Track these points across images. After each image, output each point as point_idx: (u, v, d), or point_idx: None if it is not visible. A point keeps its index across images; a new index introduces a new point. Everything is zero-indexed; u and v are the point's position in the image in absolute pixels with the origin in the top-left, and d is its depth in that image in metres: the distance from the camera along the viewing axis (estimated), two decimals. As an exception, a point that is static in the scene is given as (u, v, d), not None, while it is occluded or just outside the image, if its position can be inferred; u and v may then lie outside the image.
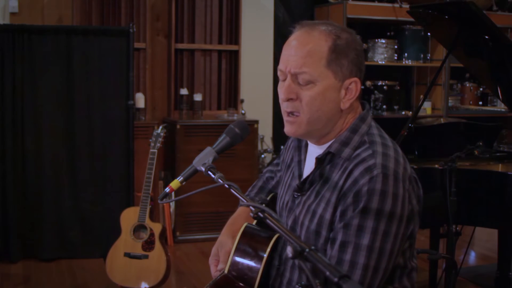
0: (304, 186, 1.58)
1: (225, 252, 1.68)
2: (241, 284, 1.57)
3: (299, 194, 1.59)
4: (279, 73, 1.55)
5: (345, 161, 1.50)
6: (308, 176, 1.57)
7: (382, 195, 1.41)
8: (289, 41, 1.54)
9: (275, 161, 1.94)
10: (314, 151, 1.61)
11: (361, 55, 1.54)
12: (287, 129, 1.56)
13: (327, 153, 1.53)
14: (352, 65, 1.51)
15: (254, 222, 1.73)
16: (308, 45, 1.50)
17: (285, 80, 1.53)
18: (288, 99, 1.52)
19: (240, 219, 1.77)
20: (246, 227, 1.65)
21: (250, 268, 1.57)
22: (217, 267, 1.67)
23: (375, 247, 1.41)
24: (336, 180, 1.49)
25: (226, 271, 1.60)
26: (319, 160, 1.54)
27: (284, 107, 1.54)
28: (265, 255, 1.56)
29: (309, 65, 1.48)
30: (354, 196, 1.43)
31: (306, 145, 1.66)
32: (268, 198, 1.82)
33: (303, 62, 1.48)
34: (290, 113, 1.53)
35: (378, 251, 1.41)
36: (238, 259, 1.59)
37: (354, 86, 1.52)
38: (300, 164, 1.66)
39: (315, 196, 1.54)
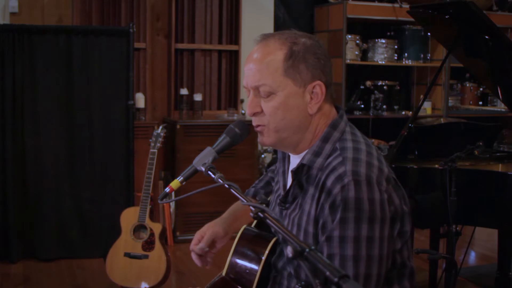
0: (286, 199, 1.57)
1: (211, 233, 1.70)
2: (238, 286, 1.56)
3: (283, 206, 1.59)
4: (245, 90, 1.56)
5: (319, 172, 1.48)
6: (288, 190, 1.57)
7: (357, 202, 1.38)
8: (248, 57, 1.55)
9: (277, 164, 1.93)
10: (294, 161, 1.61)
11: (323, 58, 1.52)
12: (259, 139, 1.56)
13: (300, 165, 1.52)
14: (313, 69, 1.50)
15: (253, 223, 1.73)
16: (263, 57, 1.50)
17: None
18: (254, 114, 1.53)
19: (240, 208, 1.79)
20: (244, 229, 1.65)
21: (248, 270, 1.56)
22: (198, 244, 1.69)
23: (361, 256, 1.39)
24: (313, 192, 1.48)
25: (224, 274, 1.59)
26: (294, 173, 1.53)
27: (252, 121, 1.55)
28: (263, 258, 1.56)
29: (266, 76, 1.49)
30: (330, 207, 1.41)
31: (289, 155, 1.66)
32: (269, 199, 1.82)
33: (260, 75, 1.49)
34: (259, 126, 1.54)
35: (366, 259, 1.39)
36: (236, 261, 1.59)
37: (319, 89, 1.51)
38: (284, 174, 1.66)
39: (298, 208, 1.53)
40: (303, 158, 1.52)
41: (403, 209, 1.48)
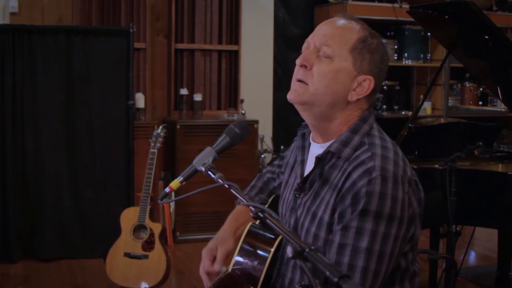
0: (304, 185, 1.57)
1: (224, 250, 1.65)
2: (245, 282, 1.57)
3: (299, 194, 1.58)
4: (304, 45, 1.57)
5: (345, 162, 1.49)
6: (308, 176, 1.57)
7: (381, 198, 1.40)
8: (327, 20, 1.58)
9: (275, 162, 1.92)
10: (315, 150, 1.60)
11: (384, 65, 1.57)
12: (291, 95, 1.55)
13: (327, 153, 1.52)
14: (373, 65, 1.53)
15: (258, 221, 1.73)
16: (343, 26, 1.55)
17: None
18: (302, 65, 1.54)
19: (242, 216, 1.76)
20: (251, 226, 1.65)
21: (254, 267, 1.57)
22: (213, 265, 1.63)
23: (374, 250, 1.39)
24: (336, 182, 1.48)
25: (230, 270, 1.60)
26: (319, 159, 1.53)
27: (295, 74, 1.56)
28: (269, 255, 1.56)
29: (335, 41, 1.52)
30: (353, 198, 1.41)
31: (309, 145, 1.66)
32: (270, 200, 1.82)
33: (331, 37, 1.52)
34: (300, 81, 1.54)
35: (378, 254, 1.39)
36: (242, 258, 1.59)
37: (368, 84, 1.53)
38: (303, 163, 1.65)
39: (315, 197, 1.53)
40: (330, 146, 1.53)
41: (418, 212, 1.50)
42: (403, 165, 1.48)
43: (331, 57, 1.51)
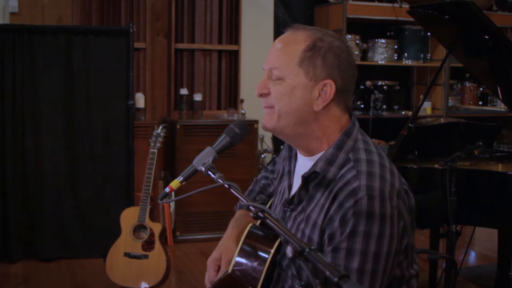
0: (292, 201, 1.57)
1: (228, 259, 1.66)
2: (244, 283, 1.57)
3: (288, 208, 1.58)
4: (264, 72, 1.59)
5: (331, 181, 1.48)
6: (295, 194, 1.56)
7: (369, 217, 1.38)
8: (274, 42, 1.58)
9: (269, 167, 1.91)
10: (302, 162, 1.60)
11: (344, 63, 1.52)
12: (263, 123, 1.59)
13: (312, 173, 1.51)
14: (329, 68, 1.50)
15: (258, 222, 1.73)
16: (286, 44, 1.53)
17: None
18: (261, 94, 1.55)
19: (243, 221, 1.76)
20: (251, 227, 1.65)
21: (254, 268, 1.57)
22: (218, 274, 1.65)
23: (366, 270, 1.38)
24: (322, 202, 1.48)
25: (229, 271, 1.60)
26: (305, 179, 1.53)
27: (262, 102, 1.58)
28: (269, 256, 1.56)
29: (281, 61, 1.51)
30: (341, 220, 1.40)
31: (296, 155, 1.65)
32: (270, 202, 1.82)
33: (277, 59, 1.52)
34: (266, 107, 1.56)
35: (370, 273, 1.38)
36: (242, 259, 1.59)
37: (329, 88, 1.50)
38: (290, 174, 1.65)
39: (303, 214, 1.53)
40: (315, 165, 1.51)
41: (410, 221, 1.48)
42: (391, 178, 1.46)
43: (281, 78, 1.51)
